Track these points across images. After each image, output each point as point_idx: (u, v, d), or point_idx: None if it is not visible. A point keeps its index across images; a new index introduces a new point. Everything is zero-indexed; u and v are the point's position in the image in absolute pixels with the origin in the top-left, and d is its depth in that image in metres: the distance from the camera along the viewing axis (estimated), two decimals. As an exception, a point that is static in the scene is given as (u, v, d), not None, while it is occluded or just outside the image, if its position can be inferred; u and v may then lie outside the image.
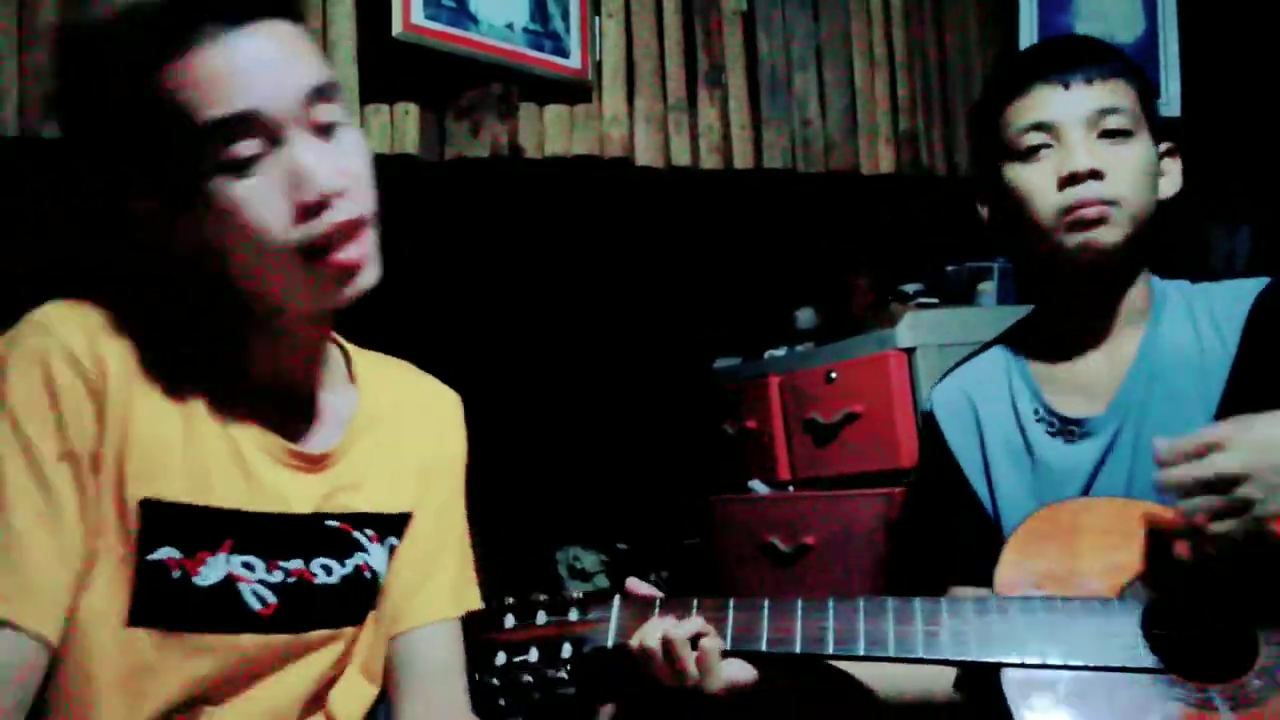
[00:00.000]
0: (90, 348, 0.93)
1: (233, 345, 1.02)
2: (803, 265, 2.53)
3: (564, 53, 1.93)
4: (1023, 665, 1.07)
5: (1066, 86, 1.26)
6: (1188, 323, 1.27)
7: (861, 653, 1.10)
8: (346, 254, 0.94)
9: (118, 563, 0.93)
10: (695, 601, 1.15)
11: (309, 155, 0.92)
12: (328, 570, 1.03)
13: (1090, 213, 1.22)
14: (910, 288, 2.22)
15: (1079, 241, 1.23)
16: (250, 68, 0.90)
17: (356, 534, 1.06)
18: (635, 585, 1.19)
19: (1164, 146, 1.32)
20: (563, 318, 2.67)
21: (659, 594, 1.17)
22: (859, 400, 2.01)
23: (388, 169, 1.81)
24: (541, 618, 1.16)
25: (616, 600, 1.16)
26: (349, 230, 0.94)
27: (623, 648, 1.13)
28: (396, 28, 1.75)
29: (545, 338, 2.66)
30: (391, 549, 1.10)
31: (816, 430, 2.11)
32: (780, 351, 2.34)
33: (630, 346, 2.73)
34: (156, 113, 0.90)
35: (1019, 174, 1.28)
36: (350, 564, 1.05)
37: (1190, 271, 1.36)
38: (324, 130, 0.94)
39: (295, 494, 1.01)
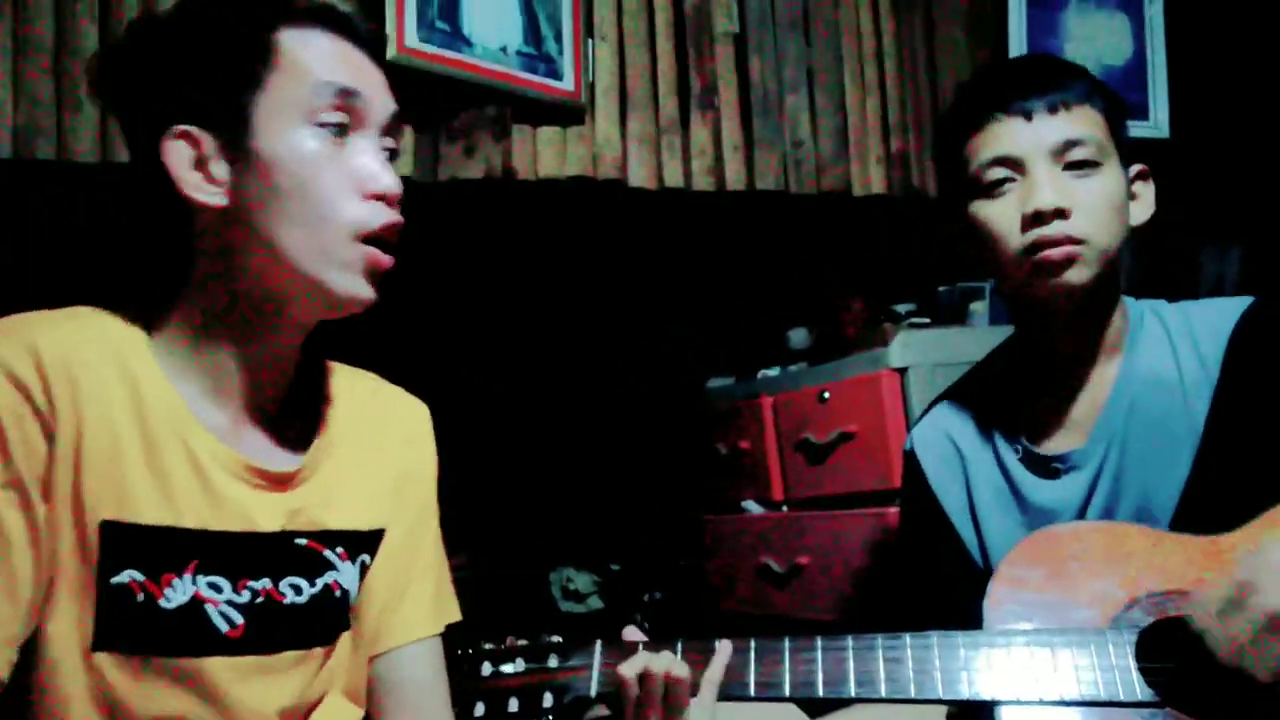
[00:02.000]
0: (35, 368, 0.90)
1: (199, 356, 0.99)
2: (795, 285, 2.53)
3: (557, 75, 1.94)
4: (1017, 703, 1.05)
5: (1029, 117, 1.20)
6: (1165, 347, 1.24)
7: (852, 694, 1.08)
8: (383, 254, 0.99)
9: (79, 587, 0.92)
10: (679, 644, 1.12)
11: (381, 156, 1.00)
12: (297, 590, 1.01)
13: (1056, 254, 1.17)
14: (902, 308, 2.23)
15: (1047, 285, 1.18)
16: (361, 67, 1.00)
17: (326, 552, 1.04)
18: (630, 633, 1.16)
19: (1135, 169, 1.27)
20: (557, 339, 2.67)
21: (643, 638, 1.14)
22: (852, 420, 2.01)
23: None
24: (520, 665, 1.13)
25: (598, 646, 1.13)
26: (393, 233, 1.00)
27: (606, 696, 1.11)
28: (391, 51, 1.75)
29: (539, 359, 2.66)
30: (363, 566, 1.08)
31: (810, 450, 2.11)
32: (773, 371, 2.35)
33: (623, 367, 2.73)
34: (262, 56, 0.96)
35: (983, 210, 1.22)
36: (320, 583, 1.03)
37: (1180, 294, 1.35)
38: (389, 153, 1.03)
39: (261, 512, 1.00)
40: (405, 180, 1.77)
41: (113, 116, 1.02)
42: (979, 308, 2.17)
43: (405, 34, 1.76)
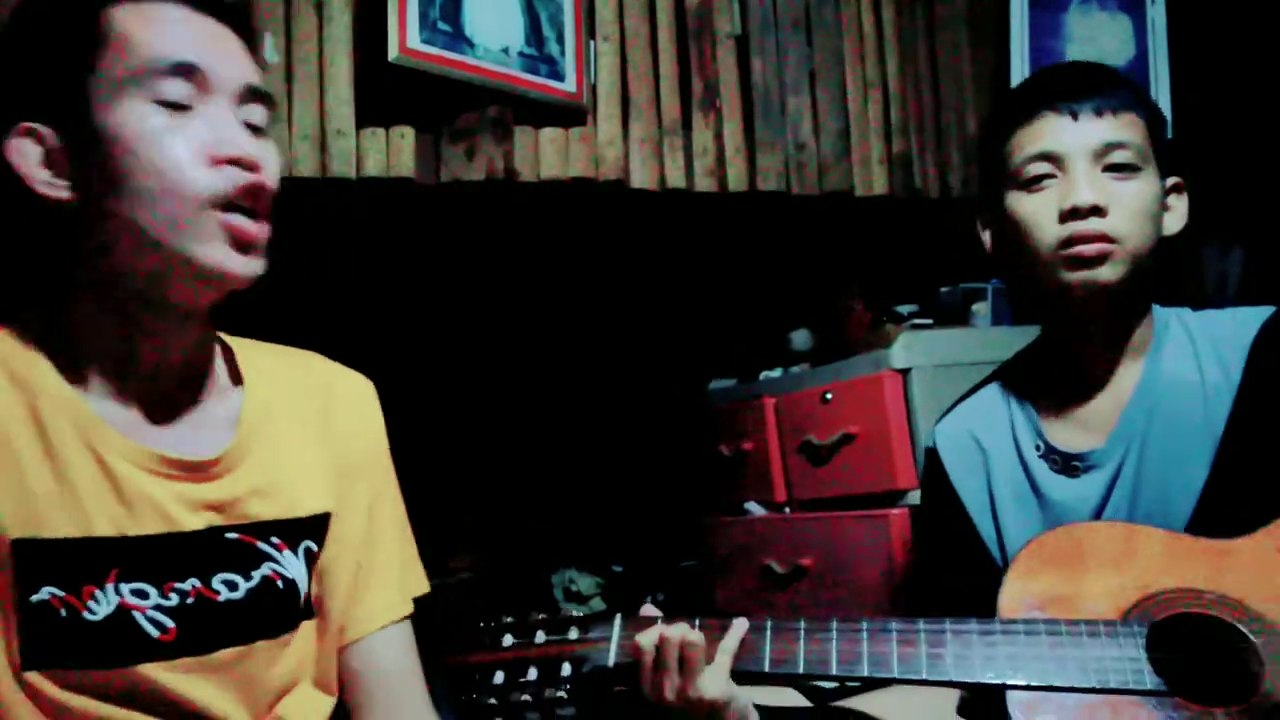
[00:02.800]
0: None
1: (96, 354, 0.97)
2: (797, 287, 2.53)
3: (559, 76, 1.94)
4: (1027, 688, 1.06)
5: (1075, 117, 1.23)
6: (1189, 352, 1.26)
7: (865, 674, 1.09)
8: (247, 220, 0.95)
9: (1, 608, 0.90)
10: (697, 621, 1.14)
11: (234, 123, 0.95)
12: (232, 585, 0.98)
13: (1089, 250, 1.20)
14: (904, 309, 2.23)
15: (1078, 279, 1.21)
16: (206, 36, 0.96)
17: (261, 544, 1.00)
18: (647, 610, 1.18)
19: (1171, 182, 1.30)
20: (559, 341, 2.67)
21: (660, 614, 1.17)
22: (855, 421, 2.01)
23: (384, 192, 1.84)
24: (540, 637, 1.16)
25: (617, 619, 1.16)
26: (255, 200, 0.95)
27: (623, 667, 1.13)
28: (393, 52, 1.76)
29: (541, 360, 2.66)
30: (309, 552, 1.05)
31: (812, 452, 2.11)
32: (775, 373, 2.34)
33: (626, 369, 2.73)
34: (91, 38, 0.92)
35: (1021, 203, 1.25)
36: (258, 575, 1.00)
37: (1184, 293, 1.36)
38: (253, 129, 0.98)
39: (181, 508, 0.96)
40: (406, 182, 1.81)
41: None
42: (981, 308, 2.17)
43: (407, 35, 1.76)
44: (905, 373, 1.96)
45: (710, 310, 2.67)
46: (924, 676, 1.08)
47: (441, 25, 1.81)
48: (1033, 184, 1.25)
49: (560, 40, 1.94)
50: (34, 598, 0.90)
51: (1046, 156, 1.24)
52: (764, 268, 2.60)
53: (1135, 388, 1.26)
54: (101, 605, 0.92)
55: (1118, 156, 1.22)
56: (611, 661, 1.13)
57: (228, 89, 0.96)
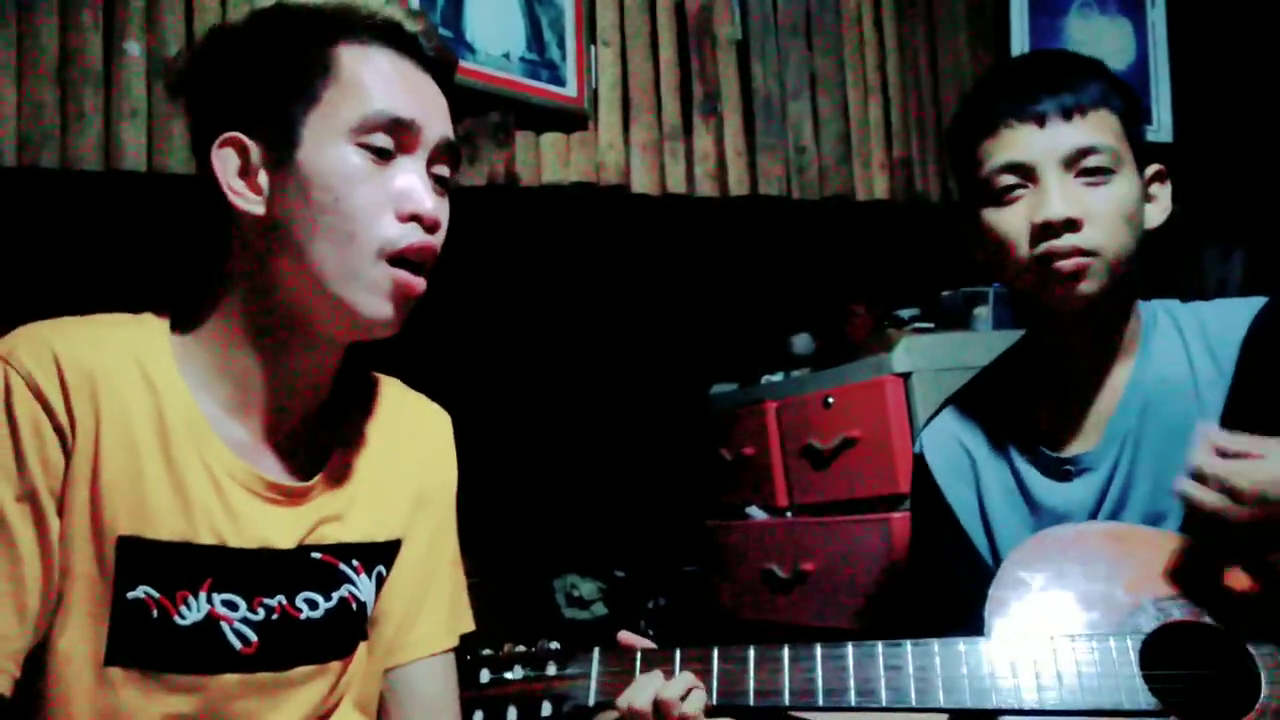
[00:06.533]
0: (57, 378, 0.90)
1: (222, 373, 0.99)
2: (798, 291, 2.53)
3: (560, 81, 1.94)
4: (1019, 712, 1.04)
5: (1041, 123, 1.17)
6: (1179, 348, 1.23)
7: (853, 704, 1.07)
8: (413, 277, 0.97)
9: (94, 601, 0.92)
10: (678, 652, 1.11)
11: (424, 181, 0.98)
12: (313, 605, 1.01)
13: (1066, 265, 1.15)
14: (906, 313, 2.23)
15: (1056, 295, 1.17)
16: (421, 93, 0.99)
17: (342, 566, 1.03)
18: (626, 638, 1.16)
19: (1151, 171, 1.25)
20: (560, 346, 2.67)
21: (645, 644, 1.14)
22: (856, 425, 2.01)
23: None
24: (517, 672, 1.13)
25: (596, 653, 1.13)
26: (424, 257, 0.98)
27: (604, 706, 1.10)
28: (393, 58, 1.76)
29: (542, 366, 2.66)
30: (379, 577, 1.07)
31: (814, 456, 2.11)
32: (777, 377, 2.34)
33: (627, 373, 2.72)
34: (321, 70, 0.95)
35: (994, 217, 1.20)
36: (336, 596, 1.02)
37: (1185, 297, 1.33)
38: (439, 180, 1.01)
39: (277, 528, 0.99)
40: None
41: (185, 118, 1.03)
42: (982, 312, 2.17)
43: (408, 41, 1.76)
44: (906, 377, 1.96)
45: (711, 314, 2.67)
46: (913, 705, 1.05)
47: (442, 30, 1.81)
48: (1004, 196, 1.19)
49: (561, 45, 1.94)
50: (130, 594, 0.92)
51: (1015, 168, 1.18)
52: (765, 272, 2.60)
53: (1125, 387, 1.22)
54: (192, 611, 0.94)
55: (1090, 161, 1.16)
56: (592, 700, 1.10)
57: (428, 145, 0.99)
